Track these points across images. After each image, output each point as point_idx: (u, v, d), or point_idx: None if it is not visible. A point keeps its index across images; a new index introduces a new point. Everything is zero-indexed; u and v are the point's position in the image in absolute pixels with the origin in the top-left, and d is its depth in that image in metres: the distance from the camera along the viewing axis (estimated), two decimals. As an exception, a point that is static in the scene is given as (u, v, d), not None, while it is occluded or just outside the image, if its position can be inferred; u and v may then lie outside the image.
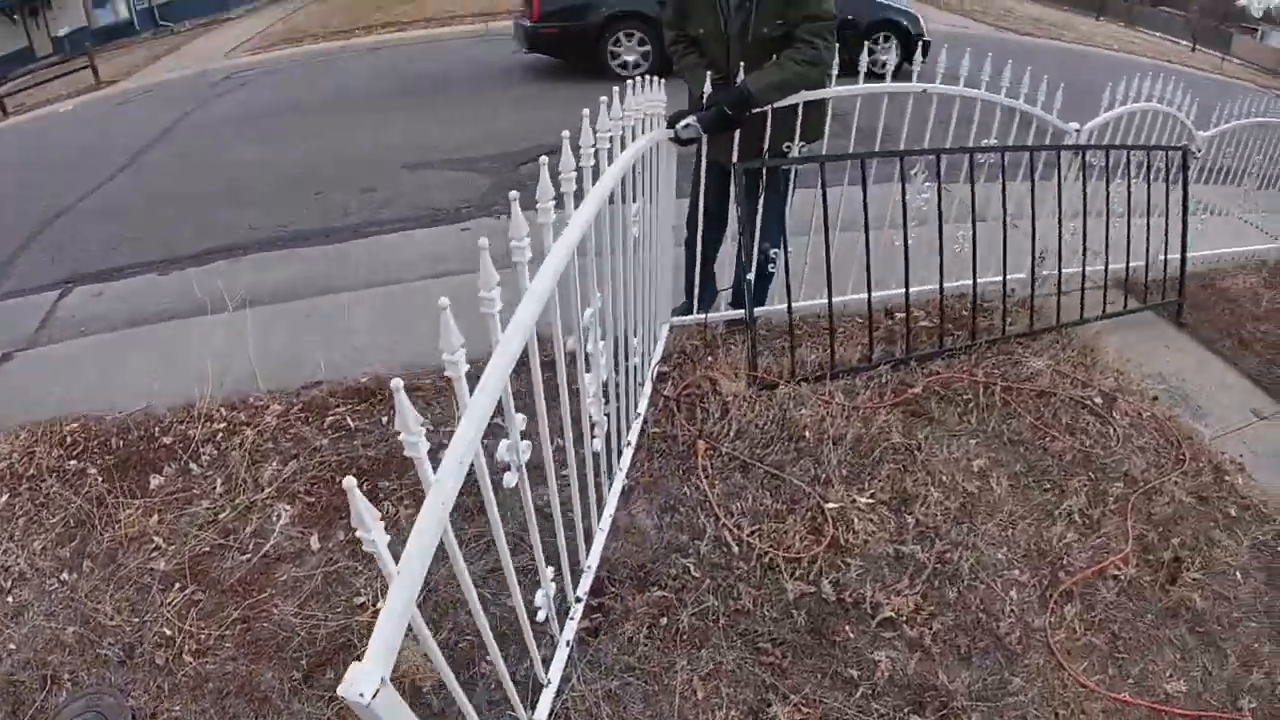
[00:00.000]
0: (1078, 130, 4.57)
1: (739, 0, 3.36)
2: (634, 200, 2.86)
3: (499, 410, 1.60)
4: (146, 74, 17.51)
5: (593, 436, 2.62)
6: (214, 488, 3.17)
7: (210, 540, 2.94)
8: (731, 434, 3.41)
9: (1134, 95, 4.81)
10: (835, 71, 3.54)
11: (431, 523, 1.30)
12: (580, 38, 9.95)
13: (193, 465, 3.30)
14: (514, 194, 1.62)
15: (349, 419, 3.51)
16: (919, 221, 4.07)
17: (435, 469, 1.34)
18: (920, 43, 11.40)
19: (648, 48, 8.36)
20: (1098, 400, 4.05)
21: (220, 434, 3.45)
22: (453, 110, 9.45)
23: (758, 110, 3.40)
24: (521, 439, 1.88)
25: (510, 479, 1.87)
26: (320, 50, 15.39)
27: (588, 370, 2.40)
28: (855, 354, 4.04)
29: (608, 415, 2.78)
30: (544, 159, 1.79)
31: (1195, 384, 4.67)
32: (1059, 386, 4.10)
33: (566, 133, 1.97)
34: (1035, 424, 3.79)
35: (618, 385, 2.98)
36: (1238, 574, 3.25)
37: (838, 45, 3.44)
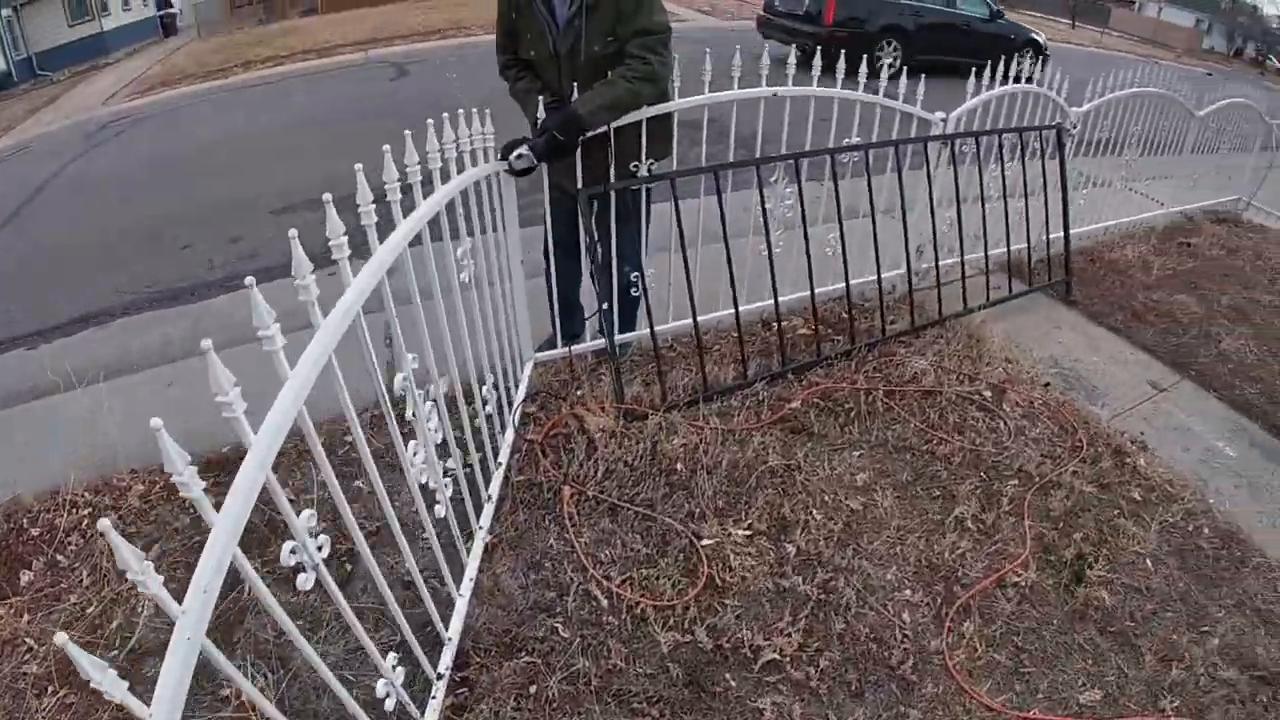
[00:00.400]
0: (944, 119, 4.46)
1: (567, 19, 3.15)
2: (457, 240, 2.66)
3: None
4: (25, 128, 16.74)
5: (434, 503, 2.40)
6: (81, 580, 2.88)
7: (79, 638, 2.65)
8: (599, 475, 3.17)
9: (1002, 78, 4.70)
10: (678, 83, 3.37)
11: (177, 664, 1.14)
12: (859, 42, 11.58)
13: (60, 557, 2.99)
14: (250, 279, 1.39)
15: (211, 495, 3.25)
16: (785, 227, 3.91)
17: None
18: (1043, 56, 13.89)
19: (898, 53, 10.60)
20: (986, 394, 3.90)
21: (85, 521, 3.15)
22: (326, 147, 8.99)
23: (596, 132, 3.21)
24: (322, 535, 1.66)
25: (305, 581, 1.65)
26: (198, 91, 14.81)
27: (412, 439, 2.19)
28: (730, 372, 3.84)
29: (452, 477, 2.57)
30: (293, 232, 1.56)
31: (1089, 363, 4.58)
32: (945, 384, 3.94)
33: (329, 196, 1.74)
34: (921, 427, 3.62)
35: (474, 436, 2.79)
36: (1148, 562, 3.12)
37: (675, 58, 3.26)
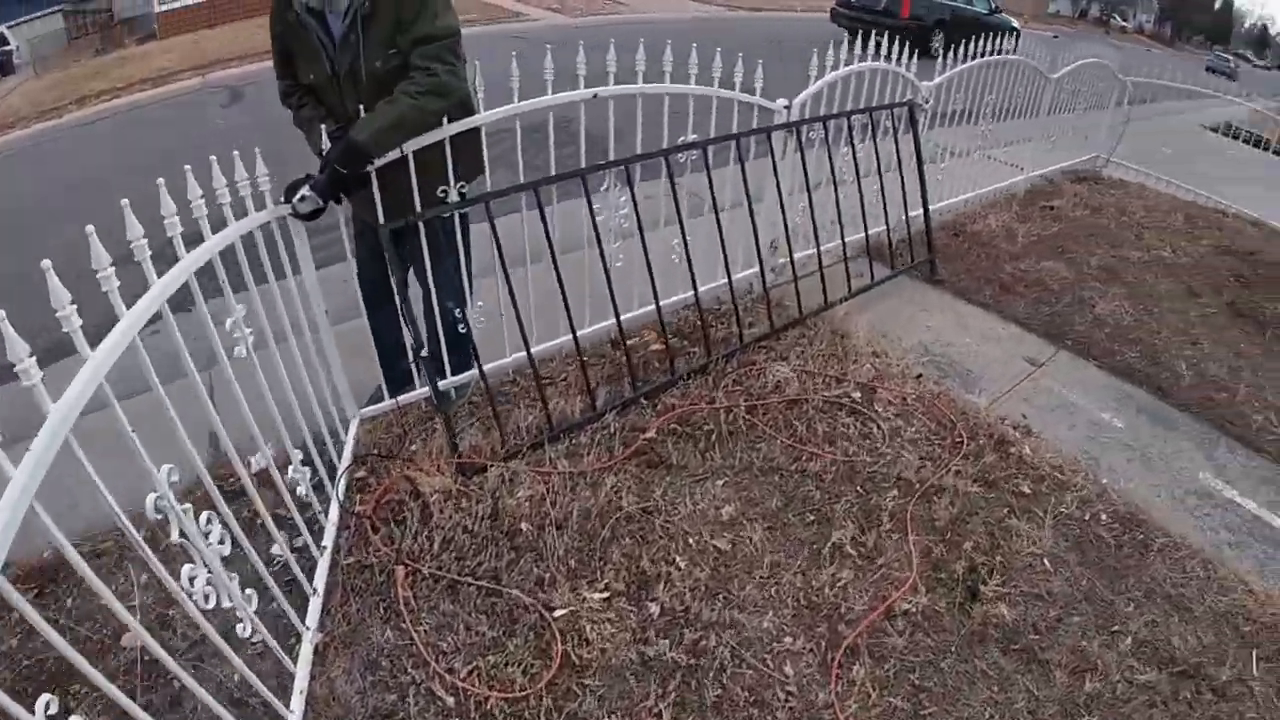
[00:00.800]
0: (787, 106, 4.18)
1: (343, 34, 2.76)
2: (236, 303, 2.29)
3: None
4: None
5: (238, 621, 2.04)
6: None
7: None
8: (435, 547, 2.76)
9: (846, 59, 4.45)
10: (481, 93, 2.99)
11: None
12: (923, 32, 14.96)
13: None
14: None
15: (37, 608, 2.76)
16: (623, 237, 3.58)
17: None
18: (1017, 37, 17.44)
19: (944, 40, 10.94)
20: (855, 395, 3.64)
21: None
22: (148, 188, 8.43)
23: (394, 157, 2.82)
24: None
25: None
26: (31, 135, 13.83)
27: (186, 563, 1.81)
28: (578, 404, 3.46)
29: (256, 590, 2.17)
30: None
31: (960, 346, 4.39)
32: (810, 390, 3.65)
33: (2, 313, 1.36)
34: (788, 443, 3.32)
35: (281, 521, 2.39)
36: (1046, 562, 2.92)
37: (472, 65, 2.89)
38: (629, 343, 3.69)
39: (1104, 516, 3.17)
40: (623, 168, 3.42)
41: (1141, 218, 7.02)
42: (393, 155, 2.81)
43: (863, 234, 4.61)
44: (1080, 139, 8.13)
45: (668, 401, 3.51)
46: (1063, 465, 3.41)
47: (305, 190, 2.68)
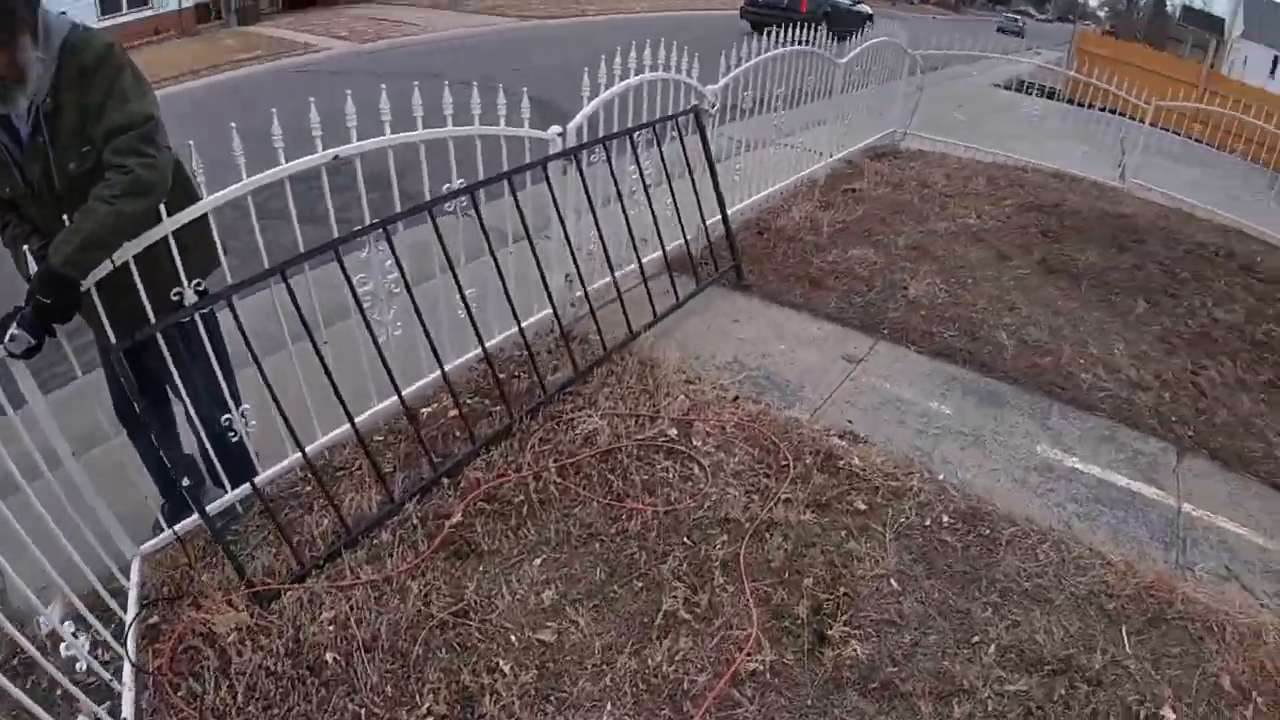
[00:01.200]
0: (561, 134, 3.94)
1: (29, 137, 2.36)
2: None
3: None
4: None
5: None
6: None
7: None
8: (240, 698, 2.37)
9: (623, 72, 4.25)
10: (202, 176, 2.62)
11: None
12: (815, 22, 14.85)
13: None
14: None
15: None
16: (395, 299, 3.27)
17: None
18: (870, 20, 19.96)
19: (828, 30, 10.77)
20: (672, 433, 3.42)
21: None
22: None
23: (107, 268, 2.43)
24: None
25: None
26: None
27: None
28: (375, 497, 3.09)
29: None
30: None
31: (776, 355, 4.25)
32: (623, 435, 3.40)
33: None
34: (605, 503, 3.06)
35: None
36: (893, 583, 2.77)
37: (185, 146, 2.52)
38: (428, 411, 3.40)
39: (946, 518, 3.07)
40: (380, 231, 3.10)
41: (944, 187, 7.10)
42: (105, 268, 2.43)
43: (661, 251, 4.41)
44: (876, 116, 8.21)
45: (472, 476, 3.17)
46: (896, 470, 3.30)
47: (14, 329, 2.26)
